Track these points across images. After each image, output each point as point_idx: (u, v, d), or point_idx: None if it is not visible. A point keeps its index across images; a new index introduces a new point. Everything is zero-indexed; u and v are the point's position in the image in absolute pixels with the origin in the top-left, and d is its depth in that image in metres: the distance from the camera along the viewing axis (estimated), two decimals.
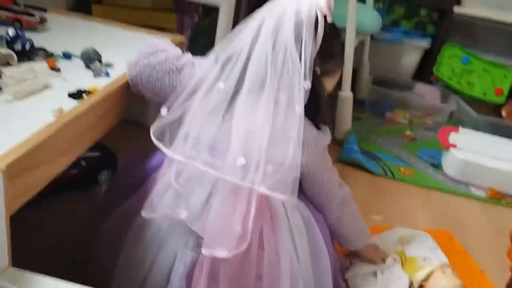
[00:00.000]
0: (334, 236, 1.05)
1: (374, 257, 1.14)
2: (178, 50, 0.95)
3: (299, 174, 0.83)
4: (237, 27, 0.91)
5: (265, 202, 0.86)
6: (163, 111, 0.86)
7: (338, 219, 1.03)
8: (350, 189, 1.05)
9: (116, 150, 1.51)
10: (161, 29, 1.79)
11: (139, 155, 0.91)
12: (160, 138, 0.86)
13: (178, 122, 0.85)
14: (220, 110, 0.84)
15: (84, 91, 0.80)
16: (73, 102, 0.78)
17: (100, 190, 1.45)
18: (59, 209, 1.28)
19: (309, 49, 0.85)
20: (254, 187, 0.80)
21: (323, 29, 0.87)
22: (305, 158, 0.86)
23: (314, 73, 0.87)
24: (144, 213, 0.84)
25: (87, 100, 0.78)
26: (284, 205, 0.89)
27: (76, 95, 0.79)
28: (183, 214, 0.82)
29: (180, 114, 0.85)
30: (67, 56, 0.96)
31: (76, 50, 0.97)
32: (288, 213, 0.90)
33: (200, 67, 0.90)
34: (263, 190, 0.80)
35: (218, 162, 0.83)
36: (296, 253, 0.90)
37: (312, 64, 0.85)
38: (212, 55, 0.89)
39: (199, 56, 0.94)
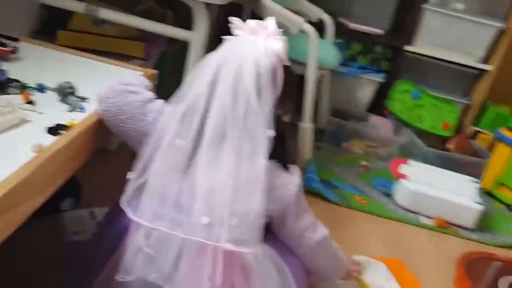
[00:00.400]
0: (309, 272, 1.07)
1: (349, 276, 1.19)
2: (149, 94, 0.95)
3: (265, 221, 0.84)
4: (191, 75, 0.92)
5: (235, 256, 0.86)
6: (130, 175, 0.87)
7: (312, 261, 1.05)
8: (327, 231, 1.05)
9: (80, 177, 1.51)
10: (128, 57, 1.83)
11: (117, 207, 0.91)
12: (128, 202, 0.87)
13: (143, 184, 0.86)
14: (181, 167, 0.84)
15: (62, 126, 0.83)
16: (51, 137, 0.81)
17: (62, 218, 1.45)
18: (19, 236, 1.27)
19: (271, 97, 0.86)
20: (219, 245, 0.81)
21: (282, 74, 0.90)
22: (273, 205, 0.88)
23: (277, 117, 0.90)
24: (118, 277, 0.86)
25: (66, 136, 0.81)
26: (255, 257, 0.89)
27: (55, 130, 0.81)
28: (154, 277, 0.85)
29: (145, 177, 0.86)
30: (41, 89, 0.98)
31: (49, 82, 0.99)
32: (260, 264, 0.90)
33: (164, 118, 0.89)
34: (228, 246, 0.81)
35: (184, 220, 0.84)
36: None
37: (274, 110, 0.88)
38: (171, 106, 0.89)
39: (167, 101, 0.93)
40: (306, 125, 2.03)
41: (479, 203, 1.93)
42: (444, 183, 2.00)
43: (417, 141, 2.40)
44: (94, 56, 1.24)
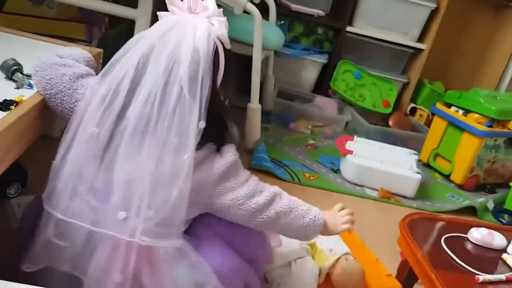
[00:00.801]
0: None
1: (336, 229, 1.09)
2: (84, 69, 0.89)
3: (185, 215, 0.80)
4: (118, 53, 0.83)
5: (147, 250, 0.81)
6: (54, 163, 0.83)
7: (276, 230, 1.01)
8: (275, 191, 0.99)
9: (24, 163, 1.47)
10: (69, 39, 1.78)
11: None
12: (47, 191, 0.83)
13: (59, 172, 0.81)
14: (96, 156, 0.79)
15: (12, 102, 0.81)
16: (1, 113, 0.79)
17: (9, 204, 1.41)
18: None
19: (207, 86, 0.81)
20: (133, 239, 0.78)
21: (223, 59, 0.85)
22: (207, 199, 0.87)
23: (219, 101, 0.87)
24: (24, 267, 0.82)
25: (18, 110, 0.79)
26: (167, 251, 0.85)
27: (4, 106, 0.79)
28: (65, 266, 0.82)
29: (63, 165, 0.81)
30: None
31: None
32: (171, 258, 0.85)
33: (86, 98, 0.82)
34: (143, 240, 0.78)
35: (100, 212, 0.80)
36: None
37: (214, 96, 0.83)
38: (95, 84, 0.83)
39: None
40: (254, 106, 2.06)
41: (418, 173, 2.05)
42: (386, 157, 2.11)
43: (360, 118, 2.51)
44: (37, 36, 1.20)
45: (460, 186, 2.27)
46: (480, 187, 2.30)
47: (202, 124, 0.80)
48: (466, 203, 2.10)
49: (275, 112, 2.47)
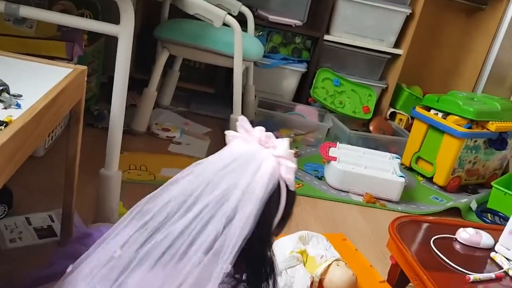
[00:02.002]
0: None
1: None
2: None
3: None
4: (177, 176, 0.83)
5: None
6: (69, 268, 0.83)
7: None
8: None
9: (9, 184, 1.45)
10: (51, 57, 1.76)
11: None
12: None
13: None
14: (110, 280, 0.77)
15: (2, 122, 0.80)
16: None
17: None
18: None
19: (247, 228, 0.76)
20: None
21: (284, 202, 0.81)
22: None
23: (265, 242, 0.83)
24: None
25: (6, 131, 0.78)
26: None
27: None
28: None
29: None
30: None
31: None
32: None
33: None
34: None
35: None
36: None
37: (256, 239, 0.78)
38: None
39: None
40: (237, 116, 2.06)
41: (401, 176, 2.09)
42: (370, 162, 2.14)
43: (341, 125, 2.54)
44: (19, 55, 1.19)
45: (443, 188, 2.31)
46: (463, 188, 2.34)
47: (227, 268, 0.76)
48: (450, 204, 2.14)
49: (257, 122, 2.48)
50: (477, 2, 2.92)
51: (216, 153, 0.86)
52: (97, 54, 2.26)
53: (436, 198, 2.23)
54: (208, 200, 0.77)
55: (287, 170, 0.80)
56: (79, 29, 1.89)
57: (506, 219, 2.11)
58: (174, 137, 2.21)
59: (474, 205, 2.17)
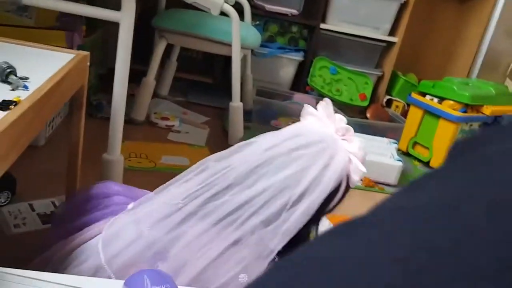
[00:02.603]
0: None
1: None
2: None
3: None
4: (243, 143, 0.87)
5: None
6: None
7: None
8: None
9: (12, 171, 1.47)
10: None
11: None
12: None
13: None
14: (164, 226, 0.82)
15: (11, 102, 0.82)
16: (1, 113, 0.80)
17: (0, 212, 1.41)
18: None
19: (305, 218, 0.79)
20: None
21: (341, 196, 0.84)
22: None
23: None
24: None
25: (16, 110, 0.80)
26: None
27: (4, 106, 0.80)
28: None
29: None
30: None
31: None
32: None
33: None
34: None
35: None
36: None
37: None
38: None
39: None
40: (236, 104, 2.09)
41: (399, 160, 2.12)
42: (368, 147, 2.15)
43: (338, 112, 2.55)
44: (23, 42, 1.20)
45: None
46: None
47: (276, 246, 0.79)
48: None
49: (255, 110, 2.51)
50: None
51: (289, 128, 0.89)
52: (95, 45, 2.27)
53: None
54: (275, 179, 0.80)
55: (356, 171, 0.83)
56: (78, 19, 1.92)
57: None
58: (173, 125, 2.23)
59: None
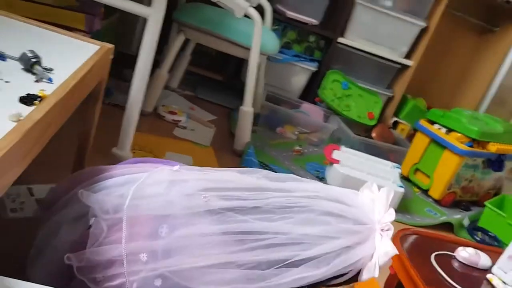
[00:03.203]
0: None
1: None
2: None
3: None
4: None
5: None
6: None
7: None
8: None
9: None
10: (68, 28, 1.73)
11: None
12: None
13: None
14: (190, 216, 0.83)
15: (35, 96, 0.79)
16: (24, 107, 0.77)
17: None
18: None
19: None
20: None
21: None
22: None
23: None
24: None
25: (41, 107, 0.78)
26: None
27: (28, 100, 0.78)
28: None
29: None
30: (1, 57, 0.92)
31: (6, 50, 0.93)
32: None
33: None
34: None
35: None
36: None
37: None
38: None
39: None
40: (247, 109, 2.07)
41: (401, 186, 2.11)
42: (371, 168, 2.15)
43: (346, 129, 2.55)
44: (47, 25, 1.17)
45: (437, 201, 2.34)
46: (456, 204, 2.38)
47: None
48: (443, 218, 2.18)
49: (263, 115, 2.49)
50: (490, 23, 2.94)
51: (341, 191, 0.92)
52: (110, 29, 2.23)
53: (430, 211, 2.26)
54: (297, 230, 0.81)
55: (370, 271, 0.84)
56: (98, 2, 1.87)
57: (495, 239, 2.16)
58: (180, 121, 2.20)
59: (466, 222, 2.21)
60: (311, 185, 0.92)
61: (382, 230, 0.86)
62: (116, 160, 1.35)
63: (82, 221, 0.88)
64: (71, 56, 1.05)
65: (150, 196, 0.85)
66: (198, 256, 0.79)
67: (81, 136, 1.29)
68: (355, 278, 0.85)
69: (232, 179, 0.90)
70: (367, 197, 0.91)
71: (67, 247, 0.85)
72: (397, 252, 0.84)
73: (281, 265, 0.79)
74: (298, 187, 0.90)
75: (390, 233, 0.85)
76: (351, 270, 0.84)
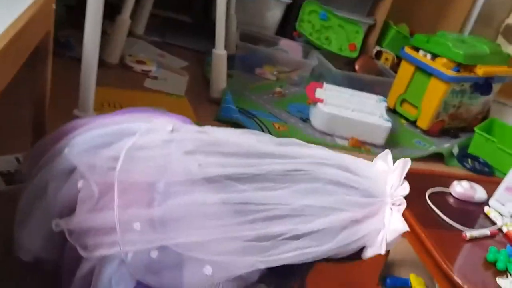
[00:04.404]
0: None
1: None
2: None
3: None
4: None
5: None
6: None
7: None
8: None
9: None
10: None
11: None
12: None
13: None
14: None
15: None
16: None
17: None
18: None
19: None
20: None
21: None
22: None
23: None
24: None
25: None
26: None
27: None
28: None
29: None
30: None
31: None
32: None
33: None
34: None
35: None
36: None
37: None
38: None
39: None
40: (220, 52, 1.92)
41: (388, 120, 2.03)
42: (357, 105, 2.06)
43: (327, 63, 2.42)
44: None
45: (425, 132, 2.28)
46: (444, 132, 2.31)
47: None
48: (433, 149, 2.12)
49: (238, 56, 2.34)
50: None
51: (352, 160, 0.86)
52: None
53: (419, 142, 2.20)
54: (300, 201, 0.76)
55: (376, 248, 0.78)
56: None
57: (486, 165, 2.12)
58: (150, 71, 2.05)
59: (455, 150, 2.16)
60: (317, 151, 0.86)
61: (393, 204, 0.77)
62: None
63: (71, 178, 0.83)
64: (3, 8, 0.90)
65: (143, 160, 0.80)
66: (196, 229, 0.75)
67: (36, 97, 1.15)
68: (359, 254, 0.78)
69: (231, 141, 0.84)
70: (380, 168, 0.83)
71: (56, 208, 0.81)
72: (408, 229, 0.78)
73: (281, 238, 0.75)
74: (302, 152, 0.84)
75: (402, 208, 0.79)
76: (355, 246, 0.78)
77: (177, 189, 0.77)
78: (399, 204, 0.79)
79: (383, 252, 0.76)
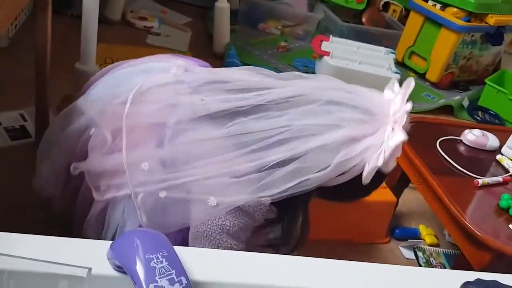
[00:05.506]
0: None
1: None
2: None
3: None
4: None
5: None
6: None
7: None
8: None
9: None
10: None
11: None
12: None
13: None
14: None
15: None
16: None
17: None
18: None
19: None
20: None
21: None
22: None
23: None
24: None
25: None
26: None
27: None
28: None
29: None
30: None
31: None
32: None
33: None
34: None
35: None
36: None
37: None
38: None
39: None
40: (223, 5, 1.87)
41: (396, 72, 1.98)
42: (364, 57, 2.00)
43: (333, 16, 2.35)
44: None
45: (434, 84, 2.23)
46: (454, 84, 2.27)
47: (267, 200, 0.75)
48: (442, 101, 2.08)
49: (242, 11, 2.27)
50: None
51: (353, 86, 0.84)
52: None
53: (428, 96, 2.16)
54: (300, 121, 0.75)
55: (373, 165, 0.75)
56: None
57: (496, 117, 2.09)
58: (152, 27, 2.00)
59: (466, 103, 2.12)
60: (322, 83, 0.85)
61: (395, 122, 0.74)
62: (80, 75, 1.20)
63: (83, 126, 0.86)
64: None
65: (151, 102, 0.81)
66: (202, 166, 0.76)
67: (37, 51, 1.13)
68: (359, 178, 0.76)
69: (235, 77, 0.83)
70: (386, 95, 0.80)
71: (70, 154, 0.85)
72: (407, 137, 0.74)
73: (281, 159, 0.74)
74: (304, 81, 0.83)
75: (404, 122, 0.75)
76: (355, 166, 0.75)
77: (183, 127, 0.77)
78: (401, 121, 0.76)
79: (380, 163, 0.73)
